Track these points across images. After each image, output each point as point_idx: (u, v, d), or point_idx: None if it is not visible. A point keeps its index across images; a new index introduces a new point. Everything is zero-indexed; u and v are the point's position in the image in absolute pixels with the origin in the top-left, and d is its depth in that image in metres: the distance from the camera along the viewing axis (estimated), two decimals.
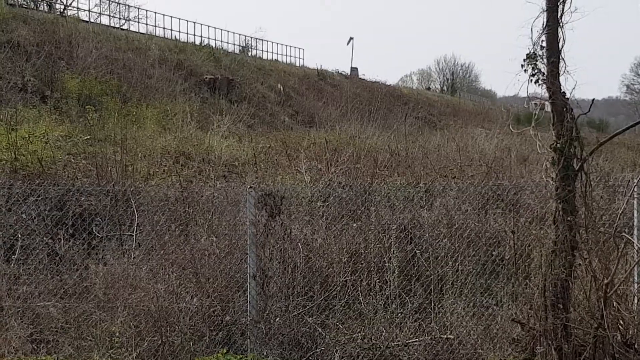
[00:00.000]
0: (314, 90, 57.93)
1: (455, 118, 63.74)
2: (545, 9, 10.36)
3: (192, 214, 14.69)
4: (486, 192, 13.79)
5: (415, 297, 12.08)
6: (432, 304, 12.01)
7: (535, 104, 12.38)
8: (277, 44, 74.94)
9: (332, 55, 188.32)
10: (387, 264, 12.47)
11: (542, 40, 10.39)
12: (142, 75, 38.42)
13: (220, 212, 14.57)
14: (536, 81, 10.45)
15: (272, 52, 73.20)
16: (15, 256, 13.24)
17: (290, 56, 76.21)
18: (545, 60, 10.37)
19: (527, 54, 10.41)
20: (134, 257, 13.06)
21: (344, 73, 73.40)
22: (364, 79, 74.38)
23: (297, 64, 73.16)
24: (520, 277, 11.67)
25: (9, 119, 20.77)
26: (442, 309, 11.86)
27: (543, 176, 10.86)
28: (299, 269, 12.28)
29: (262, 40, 73.20)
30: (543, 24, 10.38)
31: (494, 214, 13.49)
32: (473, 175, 18.30)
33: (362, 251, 12.74)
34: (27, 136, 19.88)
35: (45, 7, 58.06)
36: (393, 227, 12.96)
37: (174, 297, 11.74)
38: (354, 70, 77.85)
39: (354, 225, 13.33)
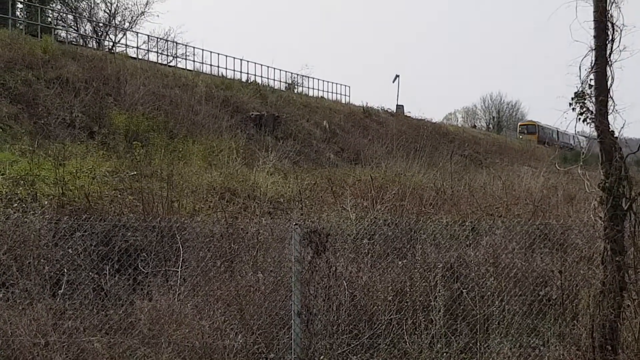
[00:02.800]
0: (360, 128, 57.95)
1: (501, 156, 63.39)
2: (593, 48, 10.32)
3: (238, 250, 14.71)
4: (533, 231, 13.69)
5: (461, 336, 11.99)
6: (478, 344, 11.90)
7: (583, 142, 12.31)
8: (323, 81, 75.21)
9: (377, 93, 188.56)
10: (432, 303, 12.39)
11: (591, 79, 10.34)
12: (189, 112, 38.65)
13: (266, 248, 14.59)
14: (584, 120, 10.40)
15: (318, 89, 73.49)
16: (61, 291, 13.31)
17: (336, 93, 76.38)
18: (593, 99, 10.32)
19: (575, 93, 10.36)
20: (179, 293, 13.08)
21: (389, 110, 73.34)
22: (409, 117, 74.29)
23: (343, 101, 73.18)
24: (568, 318, 11.55)
25: (57, 154, 20.95)
26: (488, 349, 11.74)
27: (591, 215, 10.77)
28: (344, 307, 12.25)
29: (308, 77, 73.53)
30: (591, 63, 10.34)
31: (541, 254, 13.38)
32: (519, 214, 18.15)
33: (408, 289, 12.67)
34: (74, 171, 20.05)
35: (94, 44, 58.89)
36: (439, 266, 12.88)
37: (218, 333, 11.74)
38: (399, 107, 77.81)
39: (400, 263, 13.28)
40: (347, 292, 12.39)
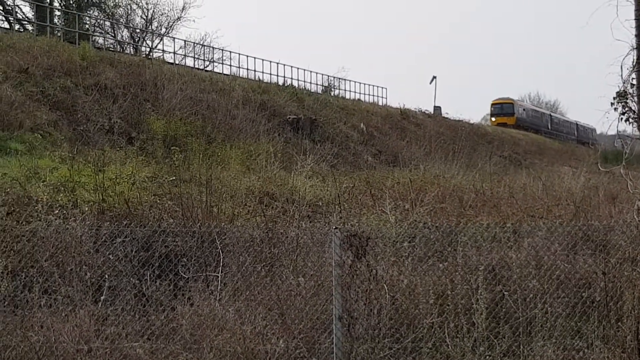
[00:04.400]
0: (397, 130, 57.77)
1: (540, 156, 63.07)
2: (635, 47, 10.22)
3: (278, 255, 14.70)
4: (575, 232, 13.55)
5: (503, 339, 11.90)
6: (521, 347, 11.81)
7: (626, 142, 12.12)
8: (360, 83, 74.96)
9: (415, 94, 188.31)
10: (474, 306, 12.31)
11: (633, 78, 10.24)
12: (226, 116, 38.67)
13: (306, 252, 14.55)
14: (627, 119, 10.30)
15: (355, 92, 73.24)
16: (103, 297, 13.37)
17: (373, 95, 76.13)
18: (635, 98, 10.22)
19: (617, 92, 10.27)
20: (220, 298, 13.09)
21: (427, 112, 73.09)
22: (447, 118, 73.99)
23: (380, 103, 72.95)
24: (612, 320, 11.43)
25: (96, 160, 21.06)
26: (532, 352, 11.64)
27: (634, 216, 10.67)
28: (385, 311, 12.20)
29: (345, 79, 73.29)
30: (633, 62, 10.24)
31: (584, 255, 13.24)
32: (561, 215, 17.99)
33: (449, 292, 12.58)
34: (114, 177, 20.13)
35: (131, 50, 59.19)
36: (480, 268, 12.78)
37: (260, 338, 11.73)
38: (437, 108, 77.55)
39: (441, 266, 13.19)
40: (388, 296, 12.34)
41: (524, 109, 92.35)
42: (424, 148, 46.87)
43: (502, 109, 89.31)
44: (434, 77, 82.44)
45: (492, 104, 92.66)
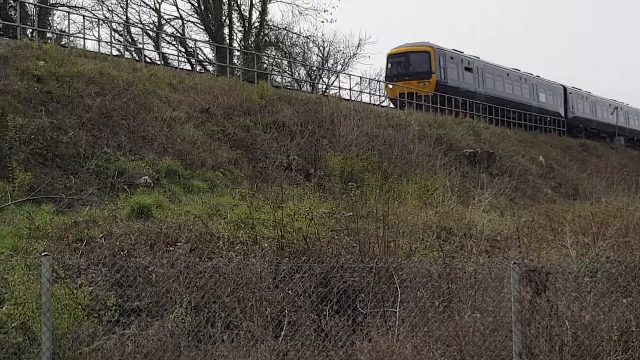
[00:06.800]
0: (578, 162, 56.71)
1: None
2: None
3: (455, 290, 14.57)
4: None
5: None
6: None
7: None
8: (538, 115, 73.81)
9: None
10: None
11: None
12: (402, 151, 38.74)
13: (484, 288, 14.38)
14: None
15: (533, 124, 72.17)
16: (283, 332, 13.56)
17: (551, 127, 74.88)
18: None
19: None
20: (398, 334, 13.06)
21: (608, 142, 71.54)
22: (629, 148, 72.15)
23: (559, 135, 71.84)
24: None
25: (275, 197, 21.42)
26: None
27: None
28: (567, 347, 11.91)
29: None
30: None
31: None
32: None
33: (634, 329, 12.19)
34: (292, 214, 20.40)
35: (308, 87, 60.23)
36: None
37: None
38: (618, 139, 75.74)
39: (625, 301, 12.80)
40: (569, 332, 12.06)
41: (451, 61, 53.51)
42: (605, 180, 45.73)
43: (409, 64, 52.35)
44: (615, 108, 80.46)
45: (389, 55, 55.27)
